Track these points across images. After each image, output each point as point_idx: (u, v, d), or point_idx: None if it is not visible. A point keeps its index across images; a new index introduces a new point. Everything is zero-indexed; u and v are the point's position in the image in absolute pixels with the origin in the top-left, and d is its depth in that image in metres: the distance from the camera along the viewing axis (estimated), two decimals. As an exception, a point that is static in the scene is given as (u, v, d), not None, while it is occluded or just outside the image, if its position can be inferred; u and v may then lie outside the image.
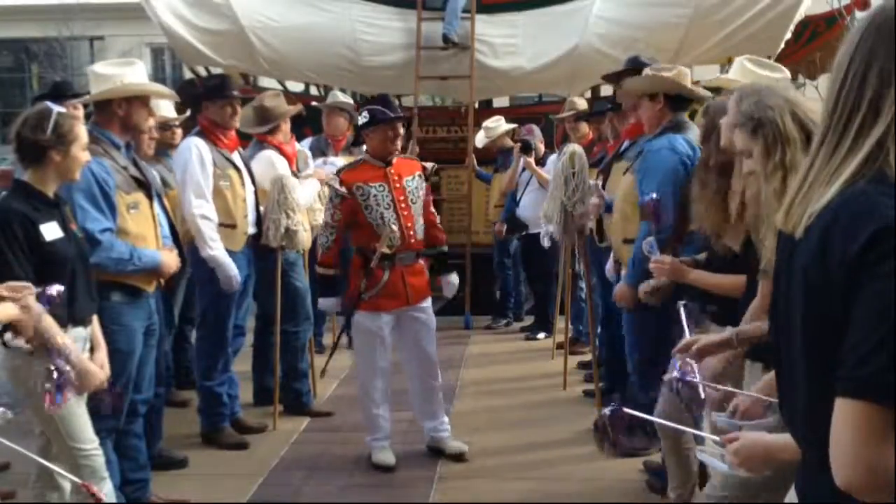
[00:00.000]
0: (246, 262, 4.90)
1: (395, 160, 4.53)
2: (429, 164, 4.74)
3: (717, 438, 1.91)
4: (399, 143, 4.55)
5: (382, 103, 4.51)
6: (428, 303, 4.66)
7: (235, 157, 4.90)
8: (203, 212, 4.64)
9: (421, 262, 4.64)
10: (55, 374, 2.78)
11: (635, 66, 4.72)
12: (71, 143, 3.10)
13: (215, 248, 4.66)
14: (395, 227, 4.42)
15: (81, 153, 3.16)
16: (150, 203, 3.81)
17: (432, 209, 4.81)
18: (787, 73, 4.06)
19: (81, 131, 3.16)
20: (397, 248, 4.44)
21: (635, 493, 4.19)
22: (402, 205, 4.46)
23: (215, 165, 4.72)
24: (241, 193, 4.85)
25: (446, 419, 4.76)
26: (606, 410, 2.39)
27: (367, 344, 4.54)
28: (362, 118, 4.49)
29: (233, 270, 4.71)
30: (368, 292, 4.44)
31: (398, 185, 4.48)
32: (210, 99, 4.89)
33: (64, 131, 3.08)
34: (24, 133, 3.08)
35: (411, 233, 4.50)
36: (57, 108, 3.13)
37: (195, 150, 4.67)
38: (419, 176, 4.62)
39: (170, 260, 3.81)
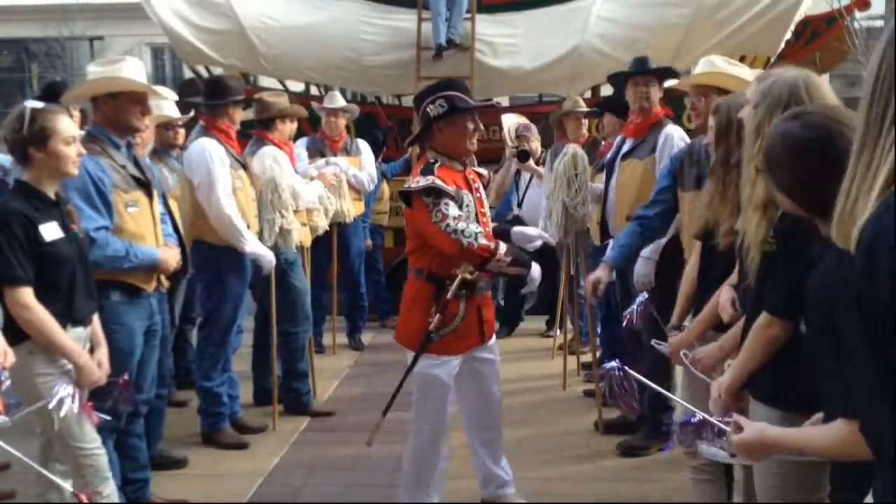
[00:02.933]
0: (250, 261, 4.91)
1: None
2: (483, 171, 3.90)
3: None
4: (476, 141, 3.68)
5: (458, 88, 3.61)
6: (495, 339, 3.93)
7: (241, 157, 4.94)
8: (235, 210, 4.68)
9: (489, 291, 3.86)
10: (65, 391, 2.81)
11: (641, 69, 4.73)
12: (47, 138, 3.04)
13: (252, 241, 4.73)
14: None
15: (63, 147, 3.07)
16: (150, 202, 3.80)
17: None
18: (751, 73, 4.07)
19: (60, 125, 3.07)
20: (478, 277, 3.62)
21: (635, 493, 4.20)
22: (484, 218, 3.69)
23: (230, 166, 4.75)
24: (250, 193, 4.89)
25: (508, 467, 4.01)
26: (608, 366, 2.51)
27: (435, 396, 3.69)
28: (437, 107, 3.55)
29: (270, 254, 4.82)
30: (441, 330, 3.59)
31: (478, 195, 3.69)
32: (236, 101, 4.89)
33: (37, 127, 3.04)
34: (7, 135, 3.08)
35: None
36: (31, 105, 3.11)
37: (215, 152, 4.68)
38: (481, 185, 3.83)
39: (169, 256, 3.80)
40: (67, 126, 3.11)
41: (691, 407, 2.19)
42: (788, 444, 1.87)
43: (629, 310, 3.65)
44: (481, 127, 3.67)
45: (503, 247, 3.51)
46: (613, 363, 2.62)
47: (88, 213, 3.47)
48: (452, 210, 3.48)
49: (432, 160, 3.62)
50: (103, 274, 3.48)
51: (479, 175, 3.81)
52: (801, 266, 2.10)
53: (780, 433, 1.90)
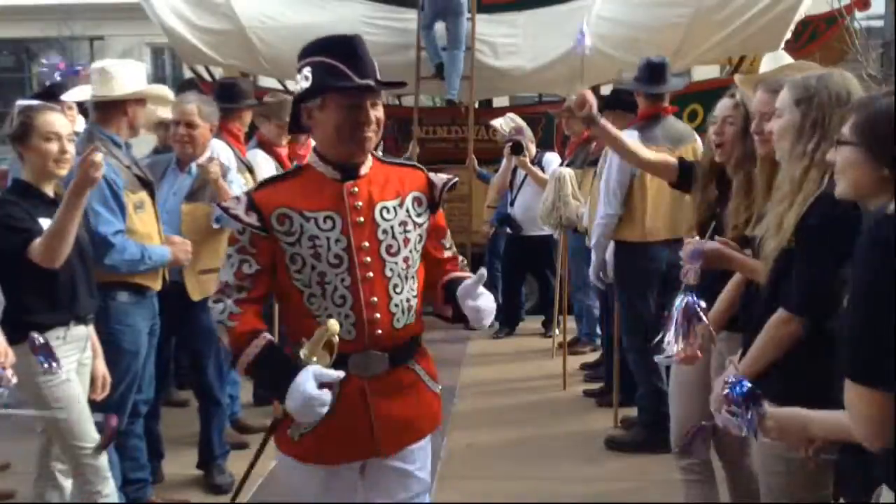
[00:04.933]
0: None
1: (367, 169, 2.33)
2: (442, 176, 2.44)
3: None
4: (373, 134, 2.30)
5: (342, 53, 2.36)
6: (417, 448, 2.40)
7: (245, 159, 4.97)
8: None
9: (416, 366, 2.38)
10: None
11: (653, 66, 4.72)
12: (26, 135, 3.02)
13: None
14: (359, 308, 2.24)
15: (43, 144, 3.02)
16: (153, 201, 3.80)
17: (449, 256, 2.49)
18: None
19: (39, 122, 3.02)
20: (347, 346, 2.21)
21: (635, 493, 4.20)
22: (367, 257, 2.25)
23: (236, 169, 4.76)
24: None
25: None
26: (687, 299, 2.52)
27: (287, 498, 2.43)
28: (302, 78, 2.40)
29: None
30: (298, 428, 2.28)
31: (362, 219, 2.26)
32: (249, 105, 4.95)
33: (18, 124, 3.03)
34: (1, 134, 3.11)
35: (377, 315, 2.24)
36: (20, 103, 3.11)
37: (223, 154, 4.64)
38: (416, 199, 2.36)
39: (178, 250, 3.78)
40: (48, 122, 3.05)
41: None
42: (829, 421, 1.82)
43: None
44: (377, 116, 2.32)
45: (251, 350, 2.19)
46: (692, 298, 2.56)
47: (105, 217, 3.44)
48: (231, 260, 2.25)
49: (297, 166, 2.67)
50: (112, 275, 3.48)
51: (431, 182, 2.40)
52: (828, 263, 2.08)
53: (813, 414, 1.86)
